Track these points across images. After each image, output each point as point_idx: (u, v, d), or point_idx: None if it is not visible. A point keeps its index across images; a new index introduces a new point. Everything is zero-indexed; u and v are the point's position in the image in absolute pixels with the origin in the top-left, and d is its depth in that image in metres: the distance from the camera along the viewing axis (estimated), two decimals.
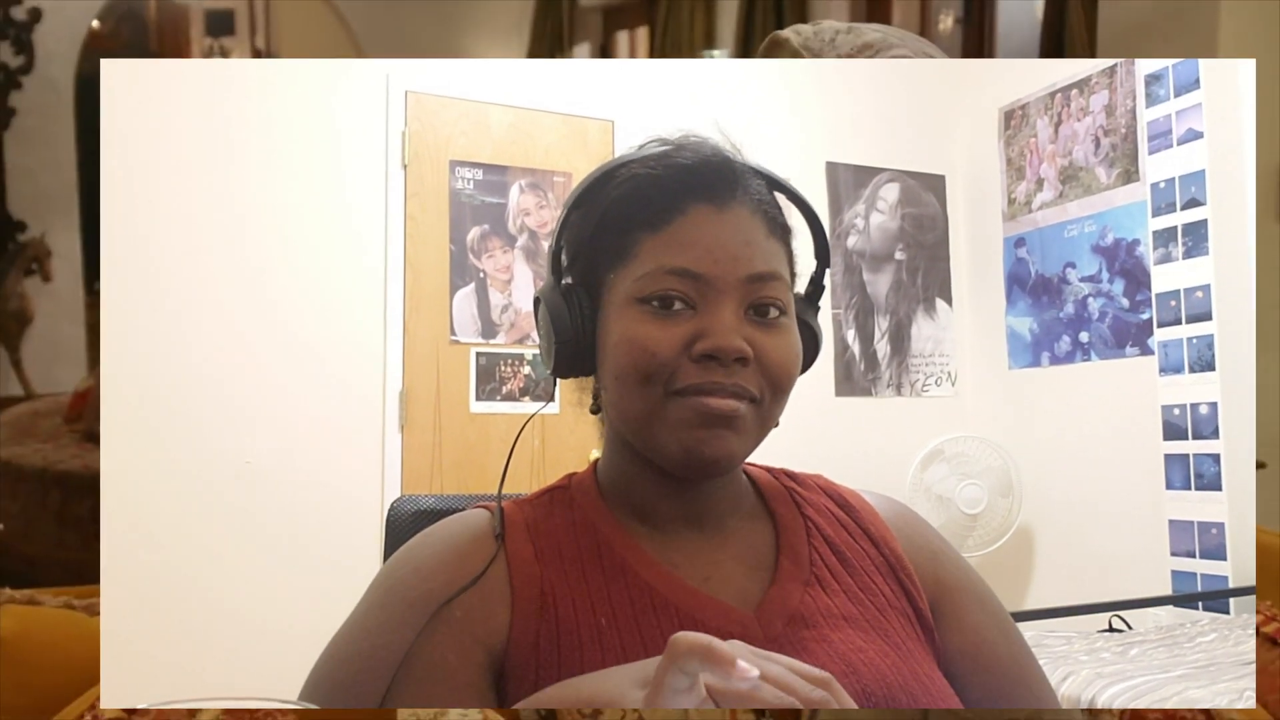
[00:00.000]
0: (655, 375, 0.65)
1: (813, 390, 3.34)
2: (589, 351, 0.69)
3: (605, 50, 4.20)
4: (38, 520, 2.12)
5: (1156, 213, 2.94)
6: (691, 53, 3.63)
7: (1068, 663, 2.02)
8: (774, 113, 3.47)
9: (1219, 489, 2.72)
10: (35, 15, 3.79)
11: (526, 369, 3.03)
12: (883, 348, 3.56)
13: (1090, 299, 3.23)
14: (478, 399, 2.96)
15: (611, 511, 0.71)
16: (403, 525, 0.88)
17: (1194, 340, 2.80)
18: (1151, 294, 2.97)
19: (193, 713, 0.51)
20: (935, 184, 3.72)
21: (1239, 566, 2.67)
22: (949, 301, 3.71)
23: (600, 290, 0.69)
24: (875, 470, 3.18)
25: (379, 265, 2.88)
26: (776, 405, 0.68)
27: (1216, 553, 2.72)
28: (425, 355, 2.92)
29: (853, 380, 3.49)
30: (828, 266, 0.76)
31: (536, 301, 0.72)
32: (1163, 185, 2.92)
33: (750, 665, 0.45)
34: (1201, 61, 2.79)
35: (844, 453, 3.31)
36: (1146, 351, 3.01)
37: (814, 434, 3.14)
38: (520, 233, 3.08)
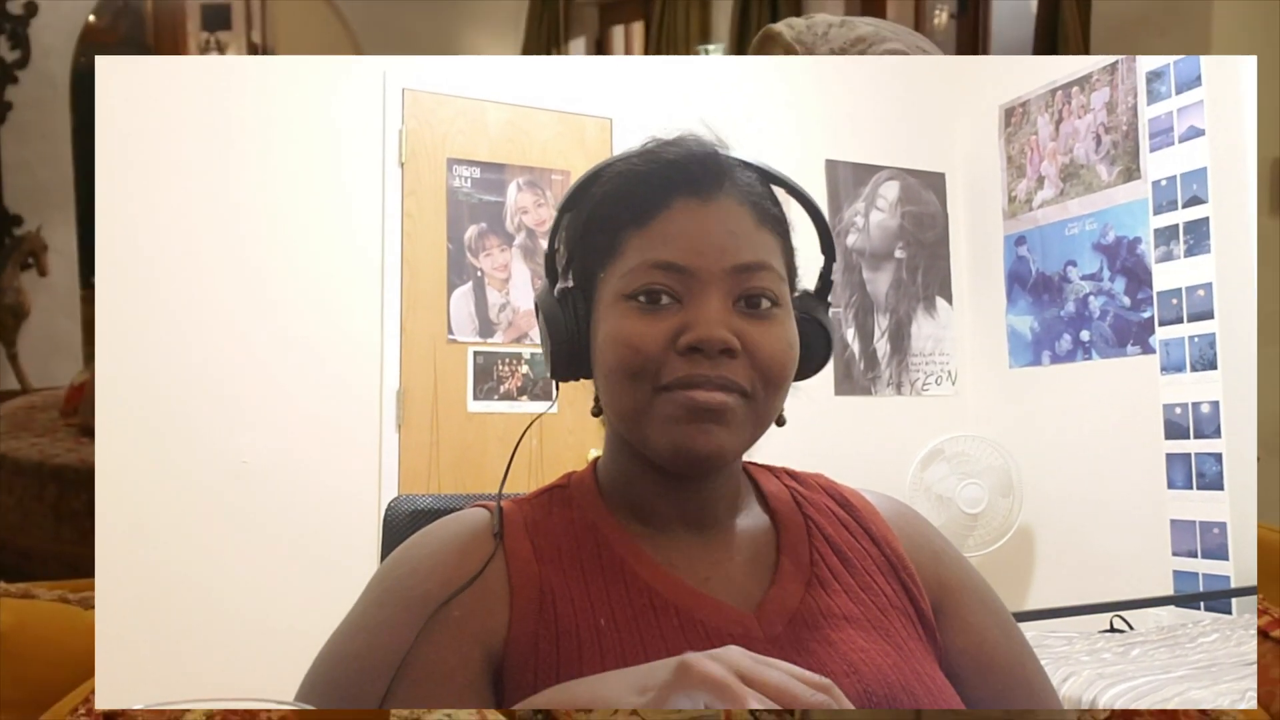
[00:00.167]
0: (642, 371, 0.64)
1: (812, 389, 3.32)
2: (585, 353, 0.69)
3: (601, 46, 4.19)
4: (34, 513, 2.13)
5: (1158, 210, 2.93)
6: (687, 48, 3.62)
7: (1069, 663, 2.01)
8: (773, 110, 3.46)
9: (1221, 488, 2.71)
10: (31, 9, 3.77)
11: (524, 368, 3.02)
12: (882, 346, 3.55)
13: (1091, 297, 3.22)
14: (475, 398, 2.95)
15: (611, 511, 0.71)
16: (400, 525, 0.88)
17: (1195, 339, 2.79)
18: (1153, 292, 2.96)
19: (187, 712, 0.51)
20: (935, 182, 3.71)
21: (1241, 566, 2.66)
22: (949, 300, 3.70)
23: (593, 290, 0.69)
24: (875, 470, 3.15)
25: (376, 263, 2.87)
26: (771, 399, 0.67)
27: (1218, 552, 2.71)
28: (422, 354, 2.90)
29: (852, 379, 3.47)
30: (834, 260, 0.75)
31: (536, 306, 0.72)
32: (1164, 183, 2.90)
33: (747, 695, 0.46)
34: (1203, 58, 2.77)
35: (843, 452, 3.29)
36: (1148, 350, 3.00)
37: (813, 433, 3.12)
38: (518, 231, 3.06)
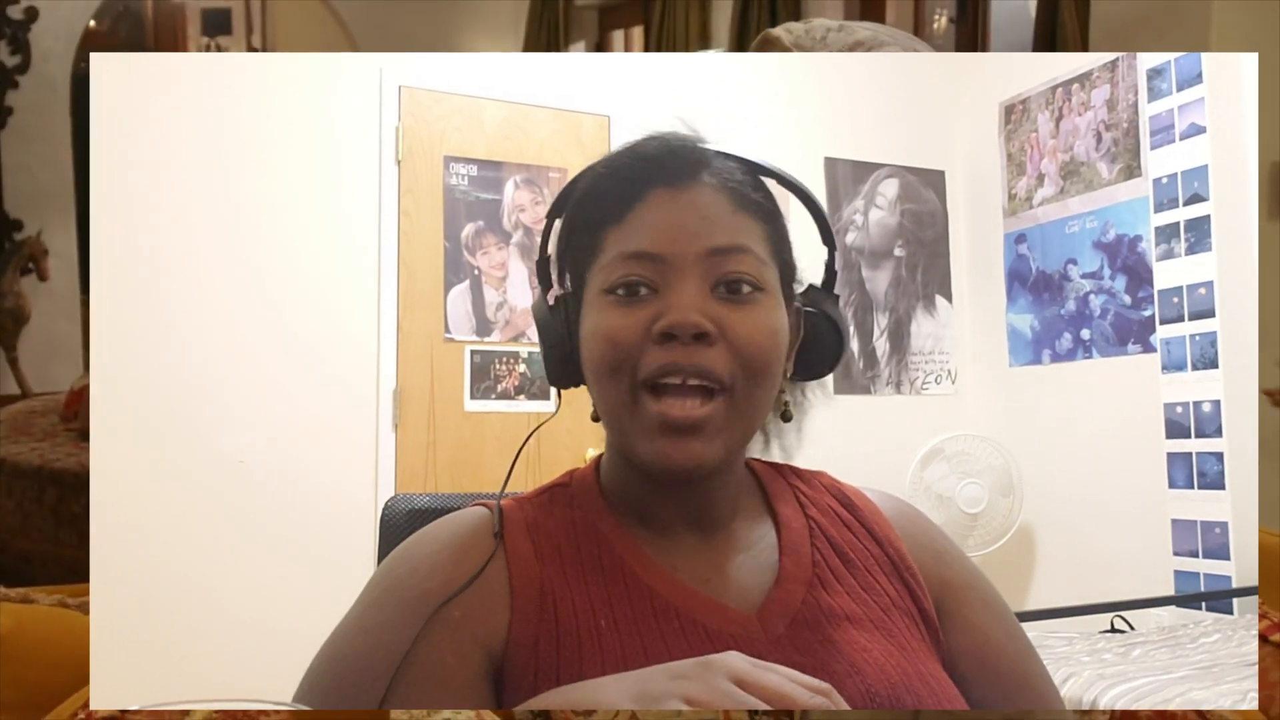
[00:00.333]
0: (621, 365, 0.64)
1: (810, 388, 3.31)
2: (578, 358, 0.69)
3: (600, 49, 4.19)
4: (34, 517, 2.13)
5: (1159, 208, 2.92)
6: (687, 51, 3.62)
7: (1069, 664, 2.00)
8: (772, 108, 3.45)
9: (1222, 488, 2.70)
10: (32, 14, 3.78)
11: (521, 367, 3.00)
12: (882, 345, 3.54)
13: (1092, 296, 3.20)
14: (472, 397, 2.94)
15: (613, 512, 0.70)
16: (397, 524, 0.88)
17: (1197, 337, 2.78)
18: (1154, 290, 2.94)
19: (185, 713, 0.51)
20: (935, 179, 3.70)
21: (1242, 566, 2.65)
22: (949, 298, 3.68)
23: (583, 292, 0.69)
24: (874, 469, 3.13)
25: (373, 262, 2.86)
26: (754, 393, 0.66)
27: (1220, 552, 2.70)
28: (419, 353, 2.89)
29: (851, 378, 3.46)
30: (835, 249, 0.74)
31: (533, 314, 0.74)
32: (1165, 181, 2.89)
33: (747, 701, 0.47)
34: (1204, 55, 2.76)
35: (843, 452, 3.26)
36: (1149, 349, 2.98)
37: (812, 433, 3.11)
38: (515, 229, 3.05)
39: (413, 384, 2.87)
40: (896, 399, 3.54)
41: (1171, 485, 2.85)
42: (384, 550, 0.83)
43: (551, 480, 0.74)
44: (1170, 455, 2.86)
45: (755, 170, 0.71)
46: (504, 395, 2.97)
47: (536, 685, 0.61)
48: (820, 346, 0.72)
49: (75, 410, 2.41)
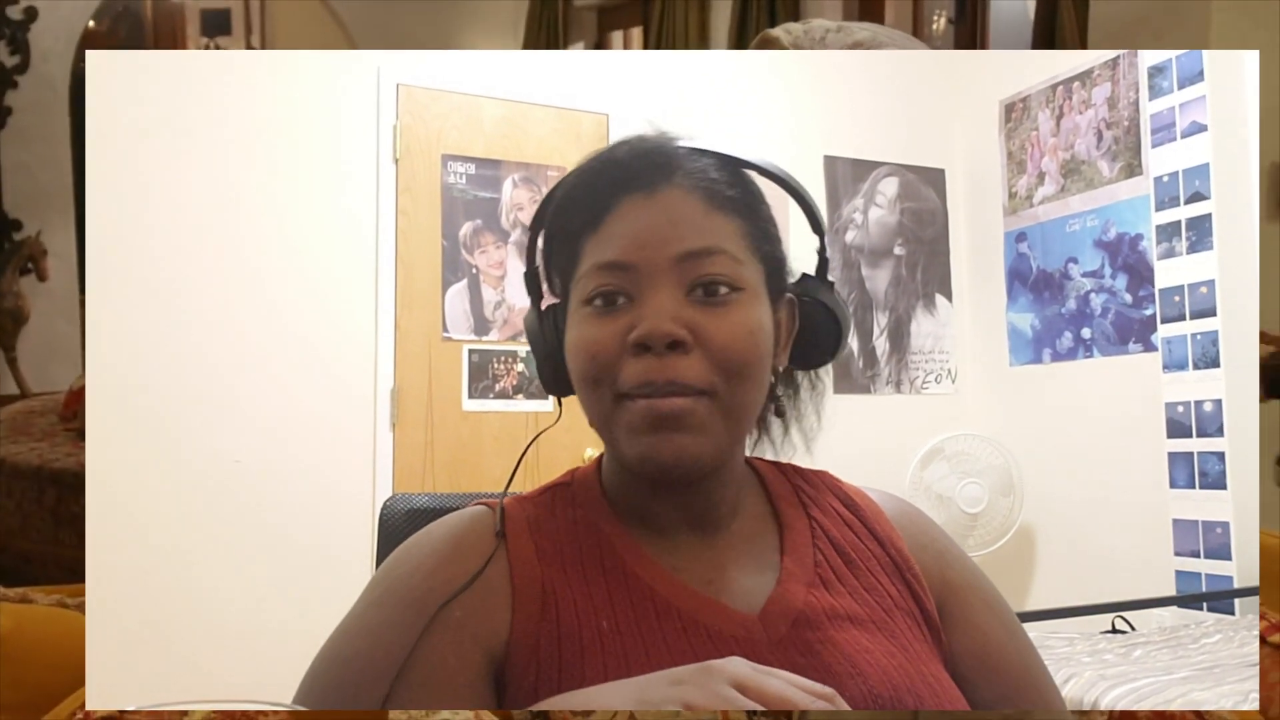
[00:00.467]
0: (601, 376, 0.64)
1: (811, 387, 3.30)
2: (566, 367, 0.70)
3: (600, 49, 4.19)
4: (33, 518, 2.13)
5: (1160, 207, 2.91)
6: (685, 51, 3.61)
7: (1070, 664, 1.99)
8: (771, 106, 3.44)
9: (1224, 488, 2.69)
10: (31, 14, 3.78)
11: (520, 366, 2.99)
12: (881, 344, 3.53)
13: (1093, 294, 3.19)
14: (470, 397, 2.93)
15: (614, 512, 0.70)
16: (395, 524, 0.89)
17: (1198, 336, 2.77)
18: (1155, 289, 2.93)
19: (183, 714, 0.51)
20: (935, 178, 3.69)
21: (1244, 566, 2.64)
22: (949, 297, 3.67)
23: (568, 302, 0.69)
24: (874, 469, 3.11)
25: (370, 261, 2.85)
26: (739, 393, 0.65)
27: (1221, 552, 2.69)
28: (417, 352, 2.88)
29: (851, 377, 3.45)
30: (824, 235, 0.73)
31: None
32: (1166, 179, 2.88)
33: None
34: (1205, 53, 2.75)
35: (842, 451, 3.24)
36: (1150, 348, 2.97)
37: (815, 448, 3.10)
38: (513, 228, 3.04)
39: (410, 383, 2.86)
40: (896, 398, 3.53)
41: (1173, 485, 2.84)
42: (382, 550, 0.83)
43: (553, 480, 0.74)
44: (1171, 455, 2.85)
45: (733, 164, 0.70)
46: (502, 395, 2.96)
47: (538, 685, 0.61)
48: (817, 335, 0.72)
49: (74, 410, 2.40)
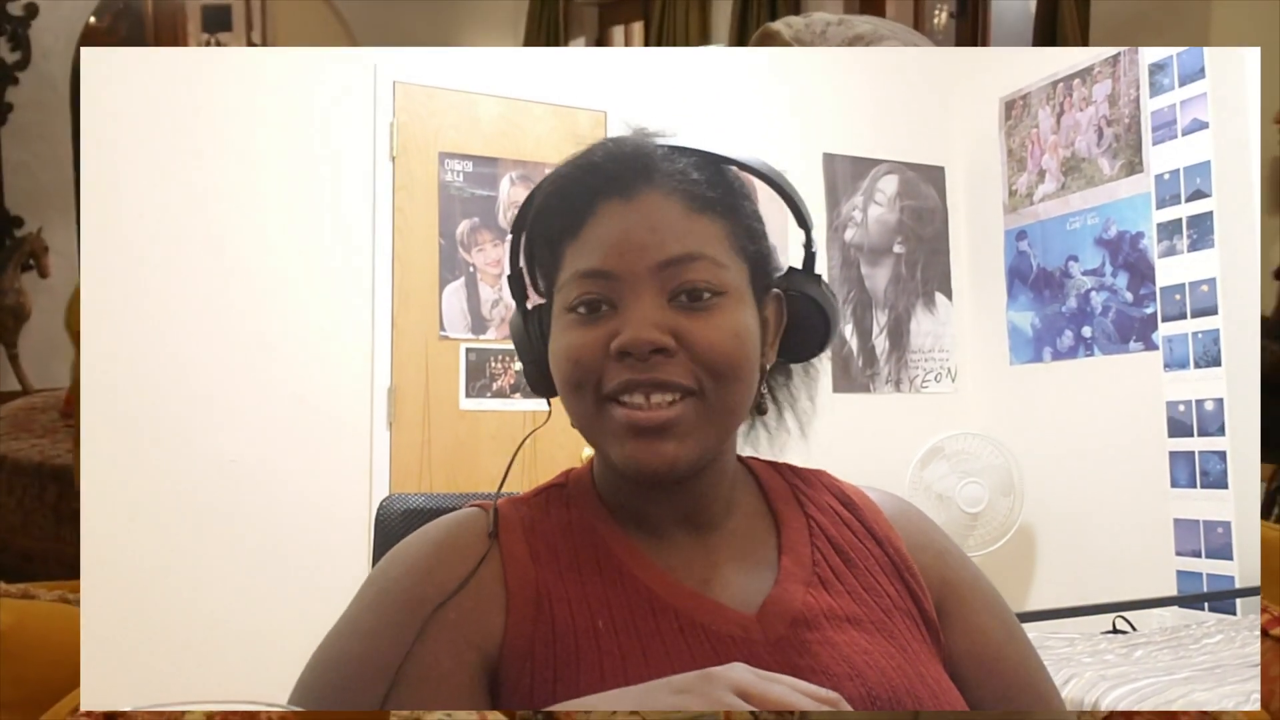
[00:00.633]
0: (584, 382, 0.65)
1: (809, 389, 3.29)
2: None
3: (600, 46, 4.18)
4: (34, 514, 2.14)
5: (1161, 205, 2.89)
6: (686, 47, 3.60)
7: (1071, 665, 1.98)
8: (770, 103, 3.43)
9: (1225, 487, 2.68)
10: (32, 11, 3.77)
11: (517, 365, 2.98)
12: (881, 343, 3.52)
13: (1093, 293, 3.18)
14: (467, 396, 2.91)
15: (609, 512, 0.70)
16: (392, 524, 0.89)
17: (1199, 335, 2.76)
18: (1156, 288, 2.92)
19: (180, 714, 0.51)
20: (935, 176, 3.68)
21: (1245, 566, 2.63)
22: (949, 296, 3.66)
23: (551, 305, 0.69)
24: (874, 468, 3.10)
25: (367, 259, 2.84)
26: (725, 393, 0.65)
27: (1222, 552, 2.68)
28: (414, 351, 2.87)
29: (850, 376, 3.44)
30: (810, 229, 0.72)
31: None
32: (1167, 177, 2.87)
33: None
34: (1206, 50, 2.74)
35: (841, 451, 3.24)
36: (1151, 346, 2.96)
37: (809, 431, 3.09)
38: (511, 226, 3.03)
39: (407, 382, 2.85)
40: (896, 397, 3.51)
41: (1174, 484, 2.83)
42: (379, 550, 0.83)
43: (548, 480, 0.74)
44: (1172, 454, 2.83)
45: (714, 162, 0.69)
46: (499, 394, 2.95)
47: (533, 687, 0.61)
48: (806, 329, 0.71)
49: (75, 407, 2.40)
